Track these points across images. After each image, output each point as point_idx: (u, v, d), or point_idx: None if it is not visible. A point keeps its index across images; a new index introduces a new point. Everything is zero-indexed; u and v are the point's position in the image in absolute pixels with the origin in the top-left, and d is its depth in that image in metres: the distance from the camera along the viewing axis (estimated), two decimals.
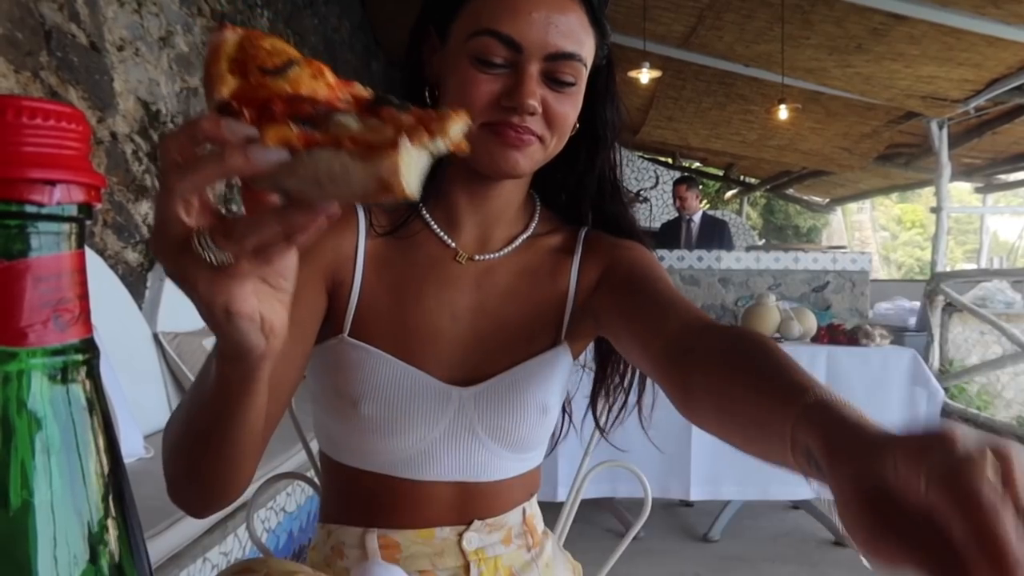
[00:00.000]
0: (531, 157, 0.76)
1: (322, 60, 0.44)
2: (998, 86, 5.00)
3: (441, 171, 0.81)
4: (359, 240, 0.80)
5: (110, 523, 0.24)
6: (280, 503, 2.31)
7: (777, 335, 3.04)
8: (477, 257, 0.83)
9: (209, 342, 2.84)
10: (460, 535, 0.81)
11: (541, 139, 0.75)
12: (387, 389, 0.78)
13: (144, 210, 2.87)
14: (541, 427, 0.84)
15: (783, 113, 5.65)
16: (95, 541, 0.23)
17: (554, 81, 0.74)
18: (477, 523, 0.82)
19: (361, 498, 0.81)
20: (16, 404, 0.22)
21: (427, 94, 0.81)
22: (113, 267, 2.59)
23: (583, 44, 0.75)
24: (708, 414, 0.59)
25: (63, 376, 0.23)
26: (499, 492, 0.84)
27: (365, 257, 0.80)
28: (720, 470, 2.82)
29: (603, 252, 0.85)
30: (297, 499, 2.44)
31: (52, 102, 0.22)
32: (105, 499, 0.23)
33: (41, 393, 0.22)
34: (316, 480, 1.18)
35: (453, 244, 0.83)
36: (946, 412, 5.17)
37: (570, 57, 0.74)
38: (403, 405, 0.78)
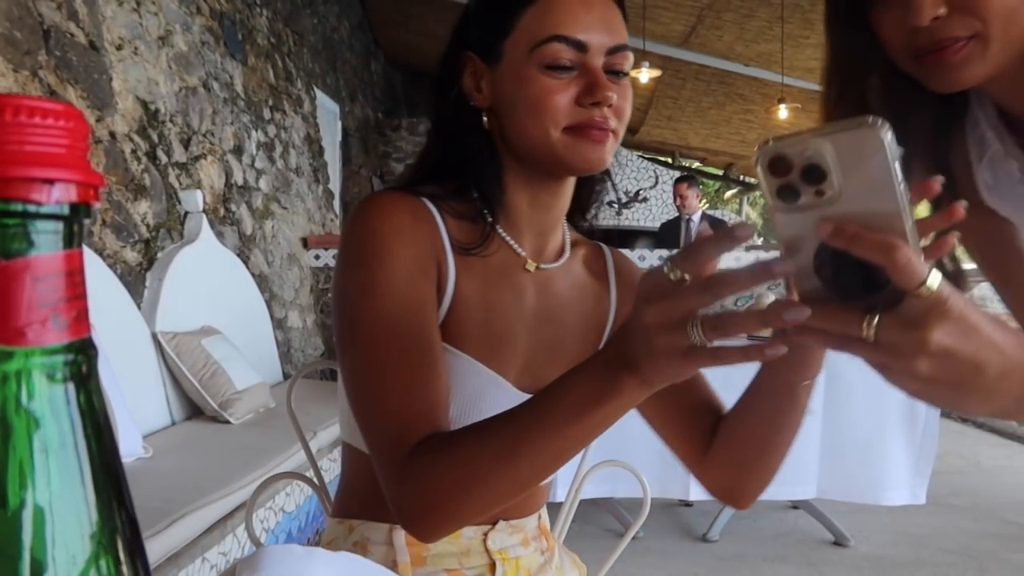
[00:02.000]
0: (611, 150, 0.80)
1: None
2: None
3: (502, 179, 0.83)
4: (447, 248, 0.81)
5: (108, 523, 0.23)
6: (279, 503, 2.31)
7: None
8: (541, 266, 0.87)
9: (208, 342, 2.84)
10: (485, 535, 0.84)
11: (614, 132, 0.79)
12: (472, 394, 0.79)
13: (143, 209, 2.87)
14: None
15: (783, 113, 5.65)
16: (93, 541, 0.23)
17: (613, 73, 0.78)
18: (501, 524, 0.85)
19: None
20: (14, 404, 0.22)
21: (485, 120, 0.83)
22: (112, 267, 2.59)
23: (626, 36, 0.81)
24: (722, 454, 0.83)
25: (61, 375, 0.23)
26: (529, 496, 0.87)
27: (455, 263, 0.81)
28: None
29: (632, 286, 0.89)
30: (296, 499, 2.44)
31: (50, 101, 0.22)
32: (103, 499, 0.23)
33: (39, 392, 0.22)
34: (315, 480, 1.18)
35: (523, 252, 0.85)
36: (946, 414, 5.16)
37: (624, 48, 0.79)
38: (481, 410, 0.79)
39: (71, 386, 0.23)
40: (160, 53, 3.16)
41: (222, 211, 3.60)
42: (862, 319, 0.50)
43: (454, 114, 0.84)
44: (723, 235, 0.51)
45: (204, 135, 3.47)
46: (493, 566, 0.83)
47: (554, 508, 1.07)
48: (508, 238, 0.85)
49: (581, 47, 0.76)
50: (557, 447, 0.63)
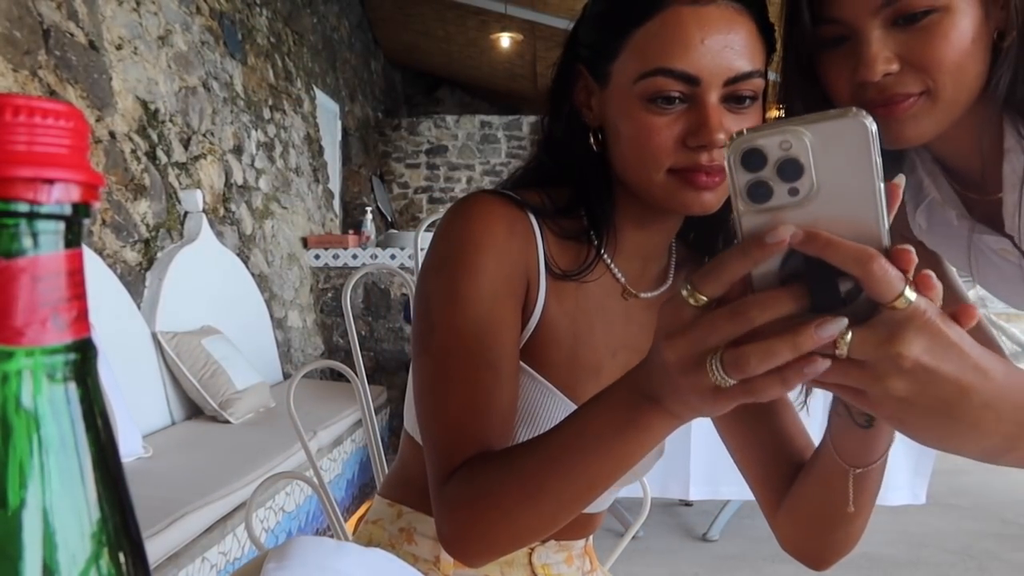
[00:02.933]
0: (723, 191, 0.72)
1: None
2: None
3: (611, 203, 0.78)
4: (540, 267, 0.76)
5: (108, 523, 0.23)
6: (279, 503, 2.31)
7: None
8: (642, 295, 0.82)
9: (208, 342, 2.84)
10: (531, 550, 0.83)
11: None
12: (545, 421, 0.76)
13: (143, 209, 2.87)
14: (651, 466, 0.85)
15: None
16: (93, 541, 0.23)
17: (734, 101, 0.70)
18: (552, 542, 0.84)
19: None
20: (14, 403, 0.22)
21: (592, 139, 0.77)
22: (112, 266, 2.59)
23: (758, 58, 0.71)
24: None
25: (61, 375, 0.23)
26: (586, 522, 0.87)
27: (547, 285, 0.77)
28: (719, 470, 2.82)
29: None
30: (296, 499, 2.44)
31: (50, 100, 0.22)
32: (103, 498, 0.23)
33: (39, 392, 0.22)
34: (315, 480, 1.18)
35: (623, 279, 0.81)
36: None
37: (749, 76, 0.69)
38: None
39: (71, 386, 0.23)
40: (160, 53, 3.16)
41: (222, 211, 3.60)
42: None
43: (566, 128, 0.79)
44: (750, 245, 0.43)
45: (204, 135, 3.47)
46: None
47: None
48: (611, 263, 0.80)
49: (692, 81, 0.67)
50: (584, 483, 0.60)
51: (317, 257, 4.65)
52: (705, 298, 0.46)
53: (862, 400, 0.47)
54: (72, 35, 2.55)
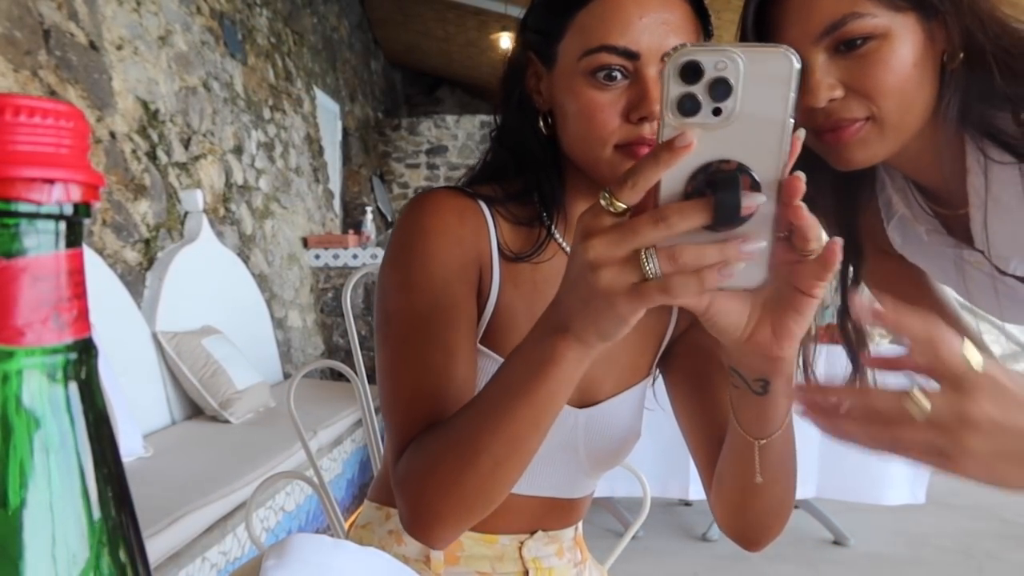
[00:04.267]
0: None
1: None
2: None
3: (565, 187, 0.81)
4: (493, 252, 0.78)
5: (109, 522, 0.23)
6: (279, 502, 2.31)
7: None
8: None
9: (208, 342, 2.84)
10: (521, 543, 0.84)
11: None
12: None
13: (143, 209, 2.87)
14: (629, 451, 0.86)
15: None
16: (94, 541, 0.23)
17: None
18: (540, 534, 0.85)
19: None
20: (15, 403, 0.22)
21: (542, 123, 0.79)
22: (112, 266, 2.59)
23: (694, 38, 0.74)
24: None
25: (62, 375, 0.23)
26: (569, 509, 0.87)
27: (501, 271, 0.79)
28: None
29: None
30: (296, 498, 2.44)
31: (50, 100, 0.22)
32: (104, 498, 0.23)
33: (40, 392, 0.22)
34: (315, 479, 1.18)
35: None
36: None
37: None
38: None
39: (72, 386, 0.23)
40: (160, 53, 3.16)
41: (222, 211, 3.60)
42: (903, 398, 0.49)
43: (517, 115, 0.81)
44: (661, 149, 0.46)
45: (204, 135, 3.47)
46: (526, 573, 0.83)
47: None
48: (564, 244, 0.81)
49: (632, 55, 0.70)
50: (513, 433, 0.60)
51: (317, 257, 4.65)
52: (623, 205, 0.48)
53: (945, 463, 0.50)
54: (72, 35, 2.55)
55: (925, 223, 0.88)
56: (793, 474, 0.74)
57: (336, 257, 4.64)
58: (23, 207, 0.21)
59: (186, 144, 3.29)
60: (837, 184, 0.90)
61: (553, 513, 0.86)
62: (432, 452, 0.65)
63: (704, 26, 0.76)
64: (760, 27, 0.77)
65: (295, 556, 0.51)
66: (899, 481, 2.78)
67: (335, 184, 5.99)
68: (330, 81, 5.86)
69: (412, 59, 8.14)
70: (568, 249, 0.80)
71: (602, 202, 0.49)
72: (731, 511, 0.78)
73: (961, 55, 0.74)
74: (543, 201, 0.80)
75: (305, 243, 4.62)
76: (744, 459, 0.67)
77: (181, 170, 3.22)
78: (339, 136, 6.28)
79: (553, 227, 0.80)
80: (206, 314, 3.08)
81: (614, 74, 0.71)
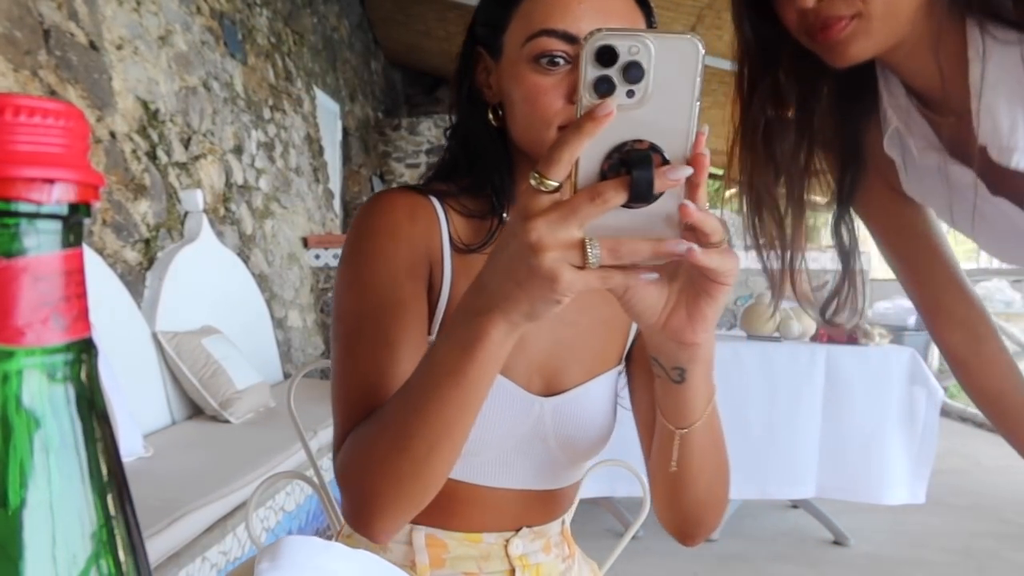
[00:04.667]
0: None
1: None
2: None
3: (514, 180, 0.82)
4: (444, 247, 0.80)
5: (109, 522, 0.23)
6: (279, 502, 2.31)
7: (776, 334, 3.04)
8: None
9: (208, 342, 2.84)
10: (507, 541, 0.83)
11: None
12: None
13: (143, 209, 2.87)
14: (604, 440, 0.85)
15: None
16: (94, 540, 0.23)
17: None
18: (525, 530, 0.84)
19: None
20: (15, 403, 0.22)
21: (492, 116, 0.82)
22: (112, 266, 2.59)
23: (639, 22, 0.77)
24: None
25: (62, 375, 0.23)
26: (551, 502, 0.86)
27: (453, 265, 0.80)
28: None
29: None
30: (296, 498, 2.44)
31: (50, 100, 0.22)
32: (104, 498, 0.23)
33: (40, 392, 0.22)
34: (315, 479, 1.18)
35: None
36: (945, 411, 5.16)
37: None
38: (489, 414, 0.77)
39: (72, 385, 0.23)
40: (160, 53, 3.16)
41: (222, 211, 3.60)
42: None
43: (468, 108, 0.83)
44: (583, 120, 0.48)
45: (204, 135, 3.47)
46: (513, 572, 0.83)
47: None
48: None
49: (571, 39, 0.73)
50: (444, 416, 0.61)
51: (317, 257, 4.65)
52: (554, 183, 0.50)
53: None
54: (72, 35, 2.55)
55: (919, 136, 0.90)
56: (720, 468, 0.75)
57: (336, 257, 4.64)
58: (23, 207, 0.21)
59: (186, 144, 3.29)
60: (839, 97, 0.94)
61: (536, 507, 0.85)
62: (367, 440, 0.67)
63: (647, 17, 0.78)
64: None
65: (289, 559, 0.51)
66: (899, 481, 2.78)
67: (335, 184, 5.99)
68: (330, 81, 5.86)
69: (412, 59, 8.14)
70: None
71: (532, 183, 0.50)
72: (663, 503, 0.79)
73: None
74: (495, 192, 0.81)
75: (305, 243, 4.62)
76: (667, 449, 0.69)
77: (181, 170, 3.22)
78: (339, 136, 6.28)
79: (506, 217, 0.82)
80: (206, 314, 3.08)
81: (556, 59, 0.73)
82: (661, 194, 0.50)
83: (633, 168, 0.48)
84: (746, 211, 0.97)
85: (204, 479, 2.04)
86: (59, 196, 0.22)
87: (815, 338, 3.02)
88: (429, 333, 0.80)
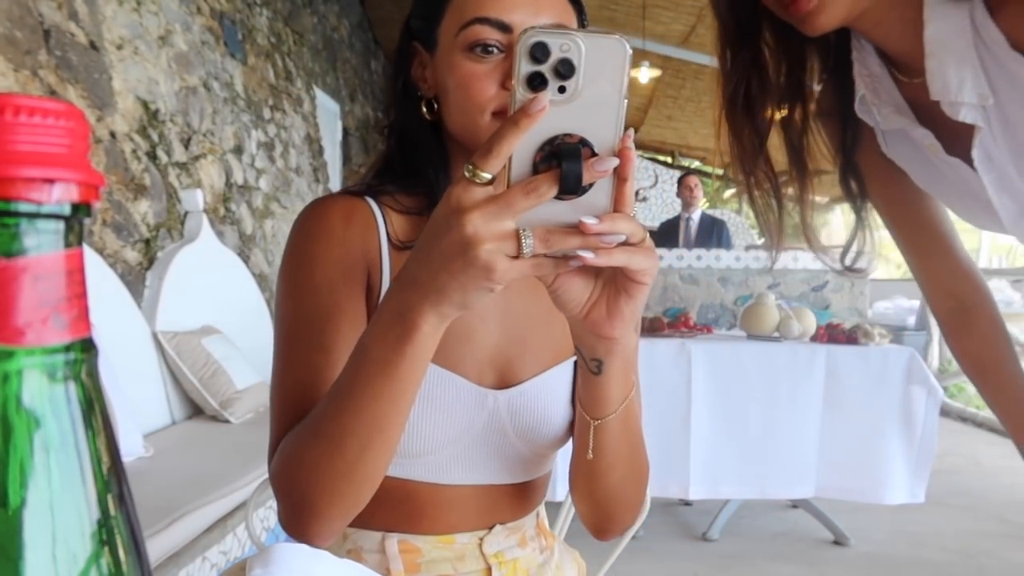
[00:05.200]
0: None
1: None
2: None
3: (450, 175, 0.83)
4: (383, 247, 0.80)
5: (109, 522, 0.23)
6: None
7: (776, 334, 3.04)
8: None
9: (208, 342, 2.84)
10: (481, 540, 0.82)
11: None
12: (424, 395, 0.77)
13: (143, 209, 2.87)
14: (566, 430, 0.84)
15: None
16: (94, 540, 0.23)
17: None
18: (497, 528, 0.83)
19: (382, 504, 0.78)
20: (15, 403, 0.22)
21: (426, 110, 0.82)
22: (112, 266, 2.59)
23: (567, 17, 0.78)
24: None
25: (62, 375, 0.23)
26: (520, 495, 0.85)
27: (391, 264, 0.80)
28: (719, 469, 2.82)
29: None
30: None
31: (50, 100, 0.22)
32: (104, 498, 0.23)
33: (40, 392, 0.22)
34: None
35: None
36: (945, 411, 5.16)
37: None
38: (441, 411, 0.77)
39: (72, 385, 0.23)
40: (160, 53, 3.16)
41: (222, 210, 3.60)
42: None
43: (403, 102, 0.84)
44: (518, 114, 0.49)
45: (204, 135, 3.47)
46: (489, 570, 0.81)
47: (554, 507, 1.08)
48: None
49: (504, 27, 0.75)
50: (376, 411, 0.61)
51: None
52: (488, 175, 0.51)
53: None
54: (73, 35, 2.55)
55: (884, 103, 0.95)
56: (634, 465, 0.76)
57: None
58: (23, 207, 0.21)
59: (186, 144, 3.29)
60: (828, 62, 1.01)
61: (506, 502, 0.84)
62: (300, 443, 0.66)
63: (578, 12, 0.80)
64: None
65: (281, 565, 0.51)
66: (899, 481, 2.78)
67: (335, 184, 5.99)
68: (330, 81, 5.86)
69: None
70: None
71: (466, 175, 0.51)
72: (578, 494, 0.81)
73: None
74: (431, 186, 0.82)
75: None
76: (584, 438, 0.71)
77: (181, 170, 3.22)
78: (339, 136, 6.28)
79: None
80: (206, 314, 3.08)
81: (490, 47, 0.75)
82: (591, 186, 0.52)
83: (563, 160, 0.50)
84: (738, 178, 1.02)
85: (204, 479, 2.04)
86: (59, 196, 0.22)
87: (815, 338, 3.03)
88: None
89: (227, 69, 3.83)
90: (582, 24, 0.81)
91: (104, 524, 0.23)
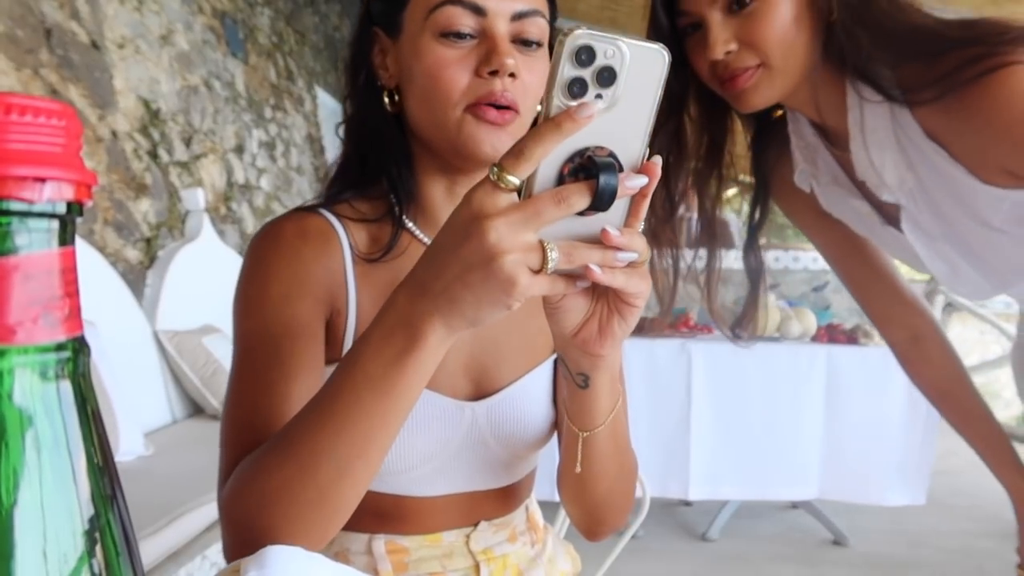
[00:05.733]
0: (513, 133, 0.72)
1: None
2: None
3: (418, 178, 0.79)
4: (346, 263, 0.76)
5: (101, 521, 0.23)
6: None
7: (777, 335, 3.04)
8: None
9: (209, 340, 2.85)
10: (467, 537, 0.81)
11: (517, 111, 0.72)
12: None
13: (144, 208, 2.87)
14: (549, 431, 0.83)
15: None
16: (86, 539, 0.23)
17: (522, 43, 0.72)
18: (483, 524, 0.82)
19: (366, 512, 0.73)
20: (6, 401, 0.22)
21: (388, 101, 0.77)
22: (113, 265, 2.59)
23: (540, 3, 0.74)
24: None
25: (54, 373, 0.23)
26: (506, 495, 0.84)
27: (356, 280, 0.76)
28: (719, 469, 2.82)
29: None
30: None
31: (43, 99, 0.22)
32: (96, 497, 0.23)
33: (31, 390, 0.22)
34: None
35: None
36: None
37: (535, 13, 0.72)
38: (417, 429, 0.75)
39: (63, 384, 0.23)
40: (162, 52, 3.16)
41: (223, 210, 3.60)
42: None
43: (363, 93, 0.78)
44: (562, 118, 0.46)
45: (205, 134, 3.47)
46: (478, 567, 0.80)
47: (553, 507, 1.07)
48: (424, 237, 0.78)
49: (478, 11, 0.69)
50: (362, 431, 0.55)
51: None
52: (515, 180, 0.47)
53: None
54: (74, 34, 2.55)
55: (824, 172, 1.02)
56: (622, 472, 0.75)
57: None
58: (15, 205, 0.21)
59: (187, 143, 3.29)
60: (754, 139, 1.09)
61: (491, 503, 0.83)
62: (262, 468, 0.58)
63: (551, 4, 0.76)
64: None
65: (275, 567, 0.50)
66: (899, 482, 2.78)
67: None
68: (332, 80, 5.86)
69: None
70: (426, 240, 0.78)
71: (492, 177, 0.48)
72: (567, 499, 0.80)
73: (836, 12, 0.88)
74: (392, 189, 0.77)
75: None
76: (572, 449, 0.69)
77: (182, 169, 3.22)
78: (341, 135, 6.27)
79: (405, 217, 0.78)
80: (207, 313, 3.08)
81: (463, 33, 0.70)
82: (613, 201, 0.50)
83: (600, 174, 0.48)
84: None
85: (205, 478, 2.04)
86: (50, 195, 0.22)
87: (815, 338, 3.02)
88: (337, 355, 0.75)
89: (228, 68, 3.83)
90: (553, 5, 0.77)
91: (95, 523, 0.23)
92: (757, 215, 1.13)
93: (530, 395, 0.81)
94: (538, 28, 0.73)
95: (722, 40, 0.88)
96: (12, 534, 0.22)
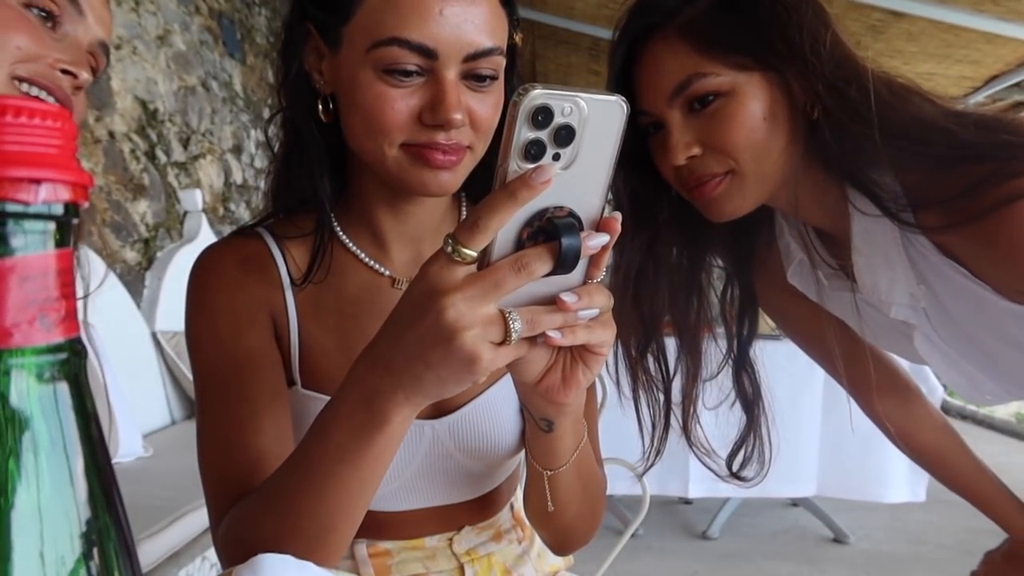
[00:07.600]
0: (462, 172, 0.68)
1: None
2: (997, 83, 4.99)
3: (357, 190, 0.75)
4: (284, 288, 0.73)
5: (98, 523, 0.23)
6: None
7: (777, 333, 3.04)
8: None
9: None
10: (450, 540, 0.80)
11: (471, 148, 0.67)
12: None
13: (142, 209, 2.87)
14: (519, 440, 0.80)
15: None
16: (83, 541, 0.23)
17: (475, 79, 0.65)
18: (467, 528, 0.81)
19: None
20: (3, 403, 0.22)
21: (322, 107, 0.71)
22: (111, 266, 2.59)
23: (500, 34, 0.66)
24: None
25: (50, 375, 0.23)
26: (487, 500, 0.83)
27: (296, 304, 0.74)
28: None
29: None
30: None
31: (38, 101, 0.22)
32: (93, 499, 0.23)
33: (28, 392, 0.22)
34: None
35: (386, 271, 0.75)
36: (945, 409, 5.15)
37: (490, 52, 0.65)
38: None
39: (60, 386, 0.23)
40: (159, 53, 3.15)
41: (221, 210, 3.60)
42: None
43: (294, 93, 0.72)
44: (518, 185, 0.44)
45: (203, 134, 3.47)
46: (462, 568, 0.79)
47: None
48: (366, 257, 0.75)
49: (429, 54, 0.62)
50: (341, 497, 0.56)
51: None
52: (472, 253, 0.45)
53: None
54: None
55: (823, 268, 0.89)
56: (588, 501, 0.74)
57: None
58: (10, 207, 0.21)
59: (185, 144, 3.29)
60: (735, 235, 0.93)
61: (472, 510, 0.81)
62: (253, 521, 0.61)
63: (510, 15, 0.69)
64: (621, 91, 0.75)
65: (268, 574, 0.50)
66: (899, 479, 2.78)
67: None
68: None
69: None
70: (371, 262, 0.75)
71: (447, 250, 0.46)
72: (537, 524, 0.78)
73: (818, 108, 0.75)
74: (318, 201, 0.73)
75: None
76: (536, 485, 0.68)
77: (180, 170, 3.22)
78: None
79: (343, 233, 0.75)
80: None
81: (408, 71, 0.63)
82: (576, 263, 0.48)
83: (562, 236, 0.45)
84: (625, 366, 0.94)
85: None
86: (46, 196, 0.22)
87: None
88: (294, 381, 0.74)
89: (226, 69, 3.83)
90: (514, 23, 0.70)
91: (93, 525, 0.23)
92: (745, 328, 0.99)
93: (493, 410, 0.77)
94: (493, 64, 0.66)
95: (683, 144, 0.77)
96: (9, 536, 0.22)
